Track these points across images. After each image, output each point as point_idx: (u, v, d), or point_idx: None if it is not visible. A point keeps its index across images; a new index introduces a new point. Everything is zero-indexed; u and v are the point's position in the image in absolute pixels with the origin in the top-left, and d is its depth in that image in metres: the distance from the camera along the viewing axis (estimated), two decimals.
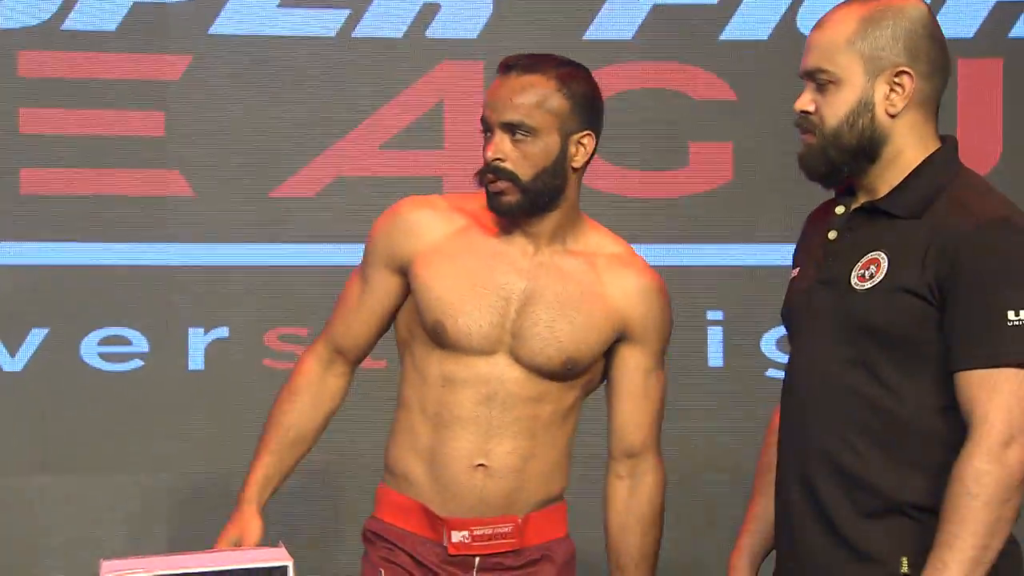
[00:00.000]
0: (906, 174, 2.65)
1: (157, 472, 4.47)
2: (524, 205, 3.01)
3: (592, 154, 3.08)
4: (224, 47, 4.46)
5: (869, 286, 2.64)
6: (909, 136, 2.67)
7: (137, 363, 4.45)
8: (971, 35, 4.56)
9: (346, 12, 4.44)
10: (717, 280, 4.61)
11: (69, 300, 4.42)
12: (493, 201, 3.02)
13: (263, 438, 3.18)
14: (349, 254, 4.28)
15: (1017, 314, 2.55)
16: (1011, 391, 2.52)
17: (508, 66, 3.04)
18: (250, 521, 3.02)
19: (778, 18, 4.63)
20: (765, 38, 4.61)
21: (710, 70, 4.60)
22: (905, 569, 2.59)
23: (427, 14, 4.53)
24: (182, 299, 4.50)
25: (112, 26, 4.44)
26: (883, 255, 2.65)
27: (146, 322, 4.50)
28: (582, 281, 3.08)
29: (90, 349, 4.44)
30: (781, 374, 3.04)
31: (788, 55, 4.21)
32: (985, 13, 4.59)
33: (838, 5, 2.74)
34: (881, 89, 2.63)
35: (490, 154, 3.00)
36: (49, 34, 4.42)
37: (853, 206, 2.73)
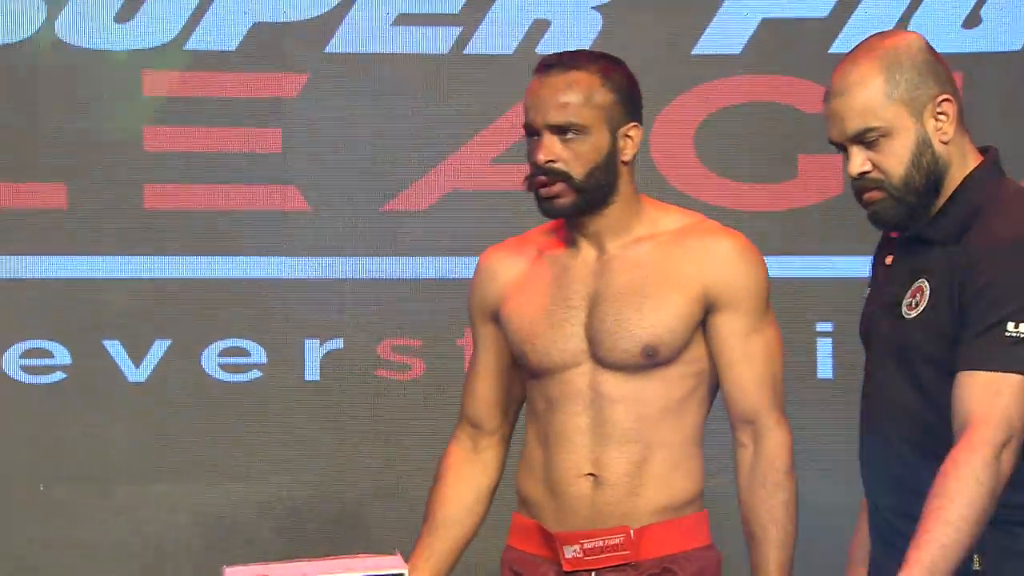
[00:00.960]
0: (947, 197, 2.70)
1: (274, 479, 4.51)
2: (580, 204, 2.92)
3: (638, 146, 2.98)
4: (340, 65, 4.49)
5: (915, 314, 2.70)
6: (955, 157, 2.72)
7: (256, 374, 4.51)
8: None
9: (458, 30, 4.48)
10: (827, 292, 4.58)
11: (191, 312, 4.48)
12: (546, 205, 2.94)
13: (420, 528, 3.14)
14: (461, 267, 4.41)
15: (1016, 327, 2.61)
16: (1012, 396, 2.57)
17: (547, 66, 2.95)
18: None
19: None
20: None
21: (821, 83, 4.64)
22: (976, 566, 2.61)
23: (537, 30, 4.53)
24: (299, 311, 4.52)
25: (232, 46, 4.50)
26: (926, 283, 2.70)
27: (264, 334, 4.53)
28: (653, 265, 2.96)
29: (211, 360, 4.50)
30: None
31: None
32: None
33: (841, 68, 2.76)
34: (930, 123, 2.67)
35: (542, 157, 2.90)
36: (172, 54, 4.48)
37: (909, 233, 2.79)
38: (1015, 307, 2.61)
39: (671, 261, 2.94)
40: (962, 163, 2.72)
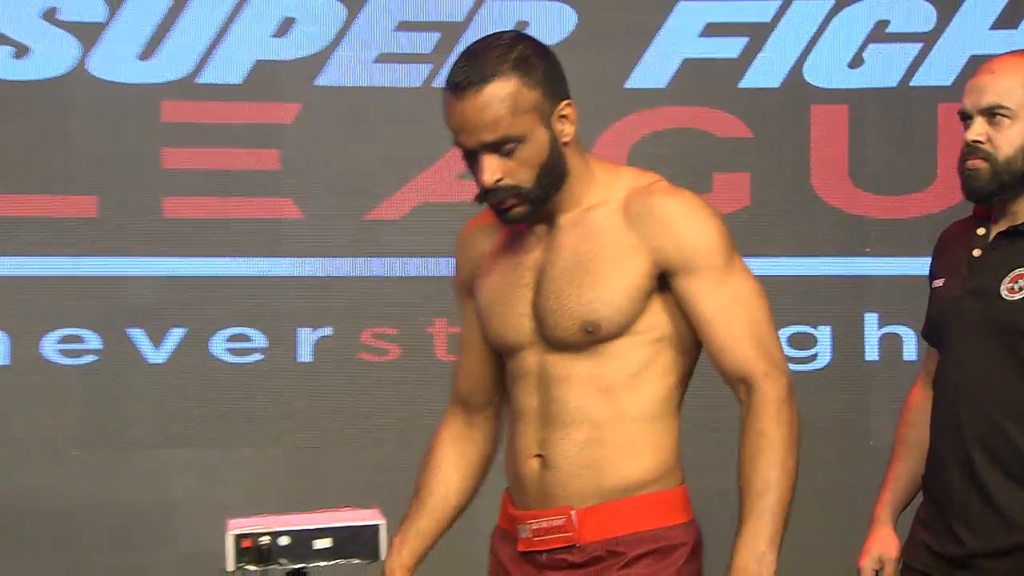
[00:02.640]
0: None
1: (272, 447, 4.59)
2: (537, 208, 2.57)
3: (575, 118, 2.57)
4: (328, 96, 4.57)
5: (1018, 297, 2.77)
6: None
7: (258, 356, 4.60)
8: (950, 83, 4.66)
9: (429, 67, 4.57)
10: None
11: (202, 304, 4.57)
12: (505, 217, 2.58)
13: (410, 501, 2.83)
14: (431, 267, 4.55)
15: None
16: None
17: (458, 84, 2.49)
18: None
19: (786, 71, 4.70)
20: (776, 86, 4.68)
21: (731, 112, 4.68)
22: None
23: None
24: (293, 304, 4.57)
25: (238, 80, 4.59)
26: None
27: (264, 323, 4.58)
28: (599, 235, 2.58)
29: (219, 345, 4.60)
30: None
31: (795, 102, 4.62)
32: (963, 62, 4.65)
33: (1002, 56, 2.85)
34: None
35: (487, 177, 2.51)
36: (187, 87, 4.56)
37: (996, 230, 2.85)
38: None
39: (616, 230, 2.57)
40: None
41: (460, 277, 2.76)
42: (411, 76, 4.60)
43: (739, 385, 2.53)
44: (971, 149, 2.79)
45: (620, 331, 2.54)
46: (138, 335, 4.58)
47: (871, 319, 4.70)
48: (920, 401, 3.06)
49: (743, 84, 4.69)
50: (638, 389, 2.58)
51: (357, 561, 2.72)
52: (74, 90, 4.54)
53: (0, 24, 4.55)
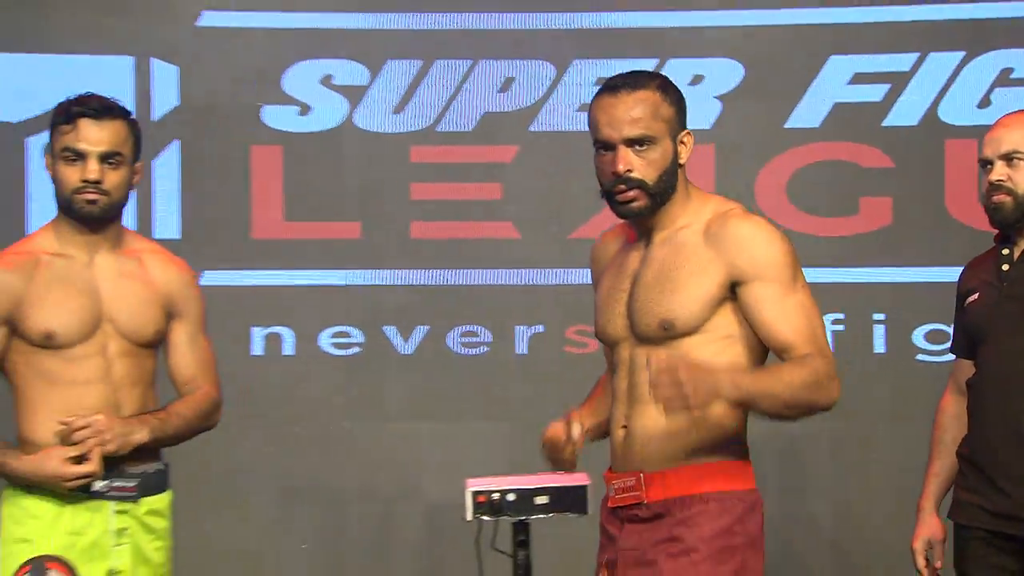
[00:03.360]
0: None
1: (499, 421, 4.97)
2: (652, 206, 2.85)
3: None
4: (541, 139, 4.98)
5: None
6: None
7: (484, 349, 5.01)
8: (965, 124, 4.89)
9: None
10: (885, 292, 4.95)
11: (442, 307, 4.93)
12: (622, 208, 2.84)
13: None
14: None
15: None
16: None
17: (614, 87, 2.84)
18: None
19: (923, 111, 4.99)
20: (915, 124, 4.99)
21: (875, 146, 5.02)
22: None
23: None
24: (513, 307, 4.88)
25: (469, 127, 5.05)
26: None
27: (490, 322, 4.94)
28: (684, 251, 2.84)
29: (454, 340, 4.97)
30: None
31: (931, 138, 4.99)
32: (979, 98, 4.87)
33: (1009, 114, 3.22)
34: None
35: (621, 167, 2.79)
36: (429, 134, 5.04)
37: (1019, 249, 3.21)
38: None
39: (697, 247, 2.84)
40: None
41: (594, 277, 3.09)
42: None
43: (788, 355, 2.75)
44: (995, 187, 3.16)
45: (692, 330, 2.81)
46: (391, 332, 5.03)
47: None
48: (951, 406, 3.35)
49: (886, 123, 5.02)
50: None
51: (570, 515, 2.92)
52: (343, 139, 5.03)
53: (289, 89, 5.07)
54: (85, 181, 3.29)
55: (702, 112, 4.97)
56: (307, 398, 5.00)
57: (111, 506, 3.30)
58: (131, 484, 3.29)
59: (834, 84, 5.02)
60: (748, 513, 2.82)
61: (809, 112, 5.03)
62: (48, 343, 3.28)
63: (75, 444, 3.22)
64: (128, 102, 4.84)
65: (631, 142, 2.80)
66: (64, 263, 3.32)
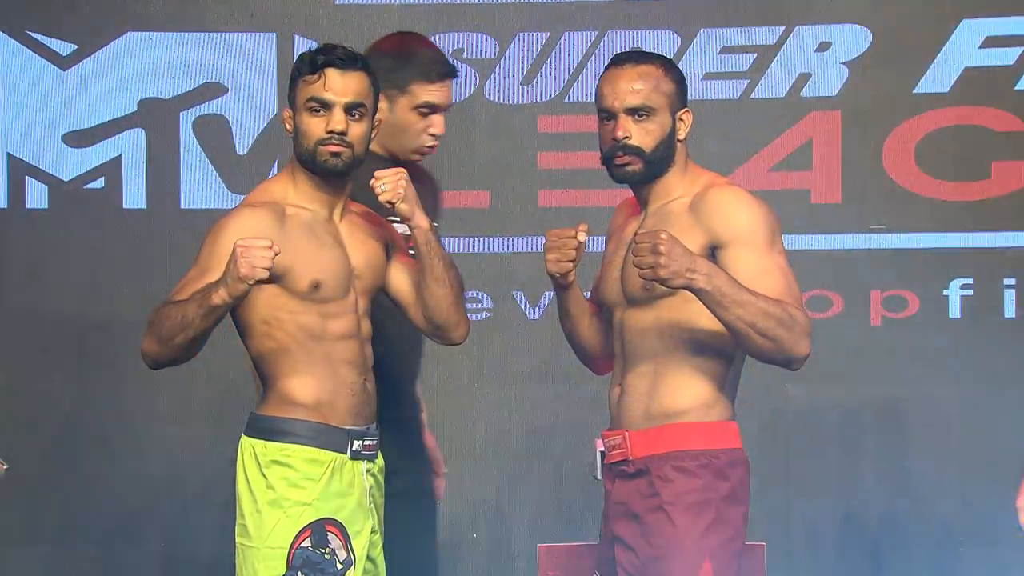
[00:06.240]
0: None
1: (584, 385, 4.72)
2: (647, 172, 3.04)
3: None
4: None
5: None
6: None
7: None
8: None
9: (746, 82, 5.06)
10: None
11: None
12: (618, 172, 3.05)
13: None
14: None
15: None
16: None
17: (621, 60, 3.08)
18: None
19: None
20: None
21: (1008, 110, 5.09)
22: None
23: (801, 82, 5.10)
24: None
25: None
26: None
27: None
28: (672, 217, 3.03)
29: None
30: None
31: None
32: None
33: None
34: None
35: (620, 134, 3.00)
36: (556, 105, 5.15)
37: None
38: None
39: (681, 215, 3.06)
40: None
41: (607, 239, 3.29)
42: (731, 90, 5.14)
43: None
44: None
45: (673, 291, 2.98)
46: (519, 297, 5.15)
47: None
48: None
49: (1019, 87, 5.09)
50: (690, 334, 2.98)
51: None
52: (474, 110, 5.15)
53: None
54: (330, 132, 3.25)
55: (828, 79, 5.09)
56: (439, 360, 4.92)
57: (363, 466, 3.35)
58: (373, 442, 3.36)
59: (964, 48, 5.06)
60: (727, 469, 2.99)
61: (938, 77, 5.09)
62: (312, 295, 3.25)
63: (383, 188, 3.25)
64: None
65: (631, 111, 3.00)
66: (310, 215, 3.30)
